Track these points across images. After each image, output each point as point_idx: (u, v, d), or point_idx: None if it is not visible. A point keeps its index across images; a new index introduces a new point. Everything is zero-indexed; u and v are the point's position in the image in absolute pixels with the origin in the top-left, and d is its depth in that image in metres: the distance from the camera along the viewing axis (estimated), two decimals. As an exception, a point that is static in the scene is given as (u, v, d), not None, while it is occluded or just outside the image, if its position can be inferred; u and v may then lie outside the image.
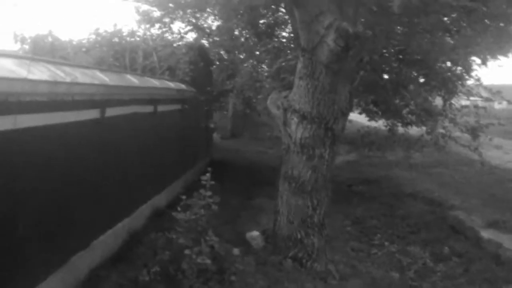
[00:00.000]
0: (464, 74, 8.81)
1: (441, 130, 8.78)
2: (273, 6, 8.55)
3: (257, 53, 9.27)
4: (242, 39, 9.34)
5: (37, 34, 8.40)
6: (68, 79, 3.74)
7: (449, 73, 8.57)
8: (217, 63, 10.53)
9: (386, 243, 5.89)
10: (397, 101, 9.08)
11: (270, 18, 9.10)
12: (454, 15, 7.01)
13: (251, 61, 9.80)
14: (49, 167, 3.50)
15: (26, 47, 8.24)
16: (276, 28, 9.37)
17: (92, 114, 4.35)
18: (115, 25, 9.04)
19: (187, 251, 3.40)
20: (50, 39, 8.41)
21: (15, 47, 8.30)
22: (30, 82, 3.12)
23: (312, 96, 4.82)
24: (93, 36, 8.86)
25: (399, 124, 9.21)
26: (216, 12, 9.28)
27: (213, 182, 4.13)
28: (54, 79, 3.48)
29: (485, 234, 6.38)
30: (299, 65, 4.97)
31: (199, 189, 4.20)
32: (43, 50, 8.08)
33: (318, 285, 4.51)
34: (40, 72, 3.38)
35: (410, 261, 5.37)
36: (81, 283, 3.91)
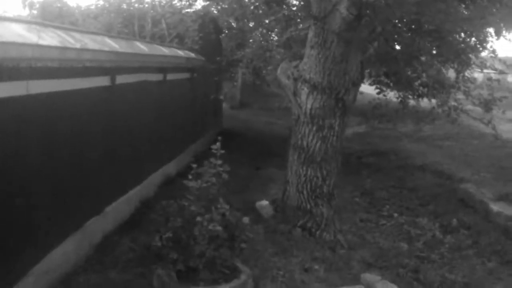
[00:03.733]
0: (478, 46, 8.62)
1: (453, 103, 8.66)
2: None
3: (267, 22, 9.09)
4: (252, 7, 9.15)
5: (45, 0, 8.31)
6: (78, 45, 3.71)
7: (462, 45, 8.38)
8: (226, 31, 10.36)
9: (395, 215, 5.91)
10: (409, 72, 8.94)
11: (280, -15, 8.88)
12: (470, -17, 6.80)
13: (260, 30, 9.63)
14: (62, 133, 3.52)
15: (35, 12, 8.18)
16: (286, -4, 9.15)
17: (102, 81, 4.33)
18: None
19: (198, 218, 3.42)
20: (58, 4, 8.31)
21: (24, 12, 8.25)
22: (41, 47, 3.09)
23: (323, 66, 4.75)
24: (101, 2, 8.76)
25: (411, 96, 9.10)
26: (225, -21, 9.07)
27: (223, 151, 4.13)
28: (64, 45, 3.45)
29: (495, 207, 6.35)
30: (310, 34, 4.88)
31: (209, 158, 4.20)
32: (52, 15, 8.01)
33: (327, 254, 4.55)
34: (50, 38, 3.36)
35: (419, 232, 5.39)
36: (94, 247, 4.01)
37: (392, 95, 9.62)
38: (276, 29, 8.98)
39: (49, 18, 7.65)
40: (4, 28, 2.89)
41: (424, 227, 5.52)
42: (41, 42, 3.12)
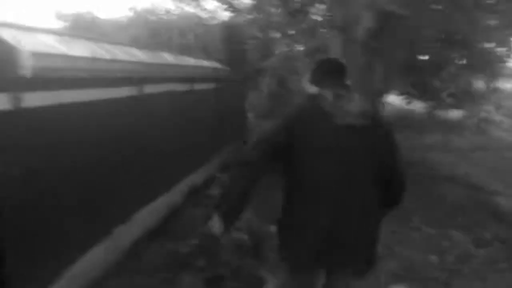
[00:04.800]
0: (507, 56, 8.44)
1: (483, 114, 8.48)
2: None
3: (292, 32, 9.14)
4: (276, 18, 9.22)
5: (77, 12, 8.59)
6: (107, 56, 3.80)
7: (491, 55, 8.21)
8: (252, 42, 10.45)
9: (424, 227, 5.76)
10: (436, 83, 8.80)
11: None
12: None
13: (285, 40, 9.69)
14: (92, 142, 3.59)
15: (67, 24, 8.45)
16: (310, 6, 9.19)
17: (130, 91, 4.41)
18: (151, 3, 9.12)
19: (224, 226, 3.44)
20: (89, 17, 8.57)
21: (57, 25, 8.53)
22: (71, 58, 3.17)
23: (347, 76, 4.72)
24: (130, 14, 8.99)
25: (438, 107, 8.97)
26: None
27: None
28: (93, 56, 3.53)
29: (529, 221, 6.13)
30: (334, 44, 4.87)
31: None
32: (83, 27, 8.26)
33: (354, 265, 4.46)
34: (80, 49, 3.44)
35: (449, 245, 5.23)
36: (123, 252, 4.05)
37: (419, 106, 9.49)
38: (300, 39, 9.01)
39: (80, 30, 7.90)
40: (36, 39, 2.98)
41: (455, 239, 5.35)
42: (72, 53, 3.20)
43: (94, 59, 3.54)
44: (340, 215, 2.14)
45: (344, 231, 2.17)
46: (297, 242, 2.19)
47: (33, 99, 2.83)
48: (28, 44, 2.70)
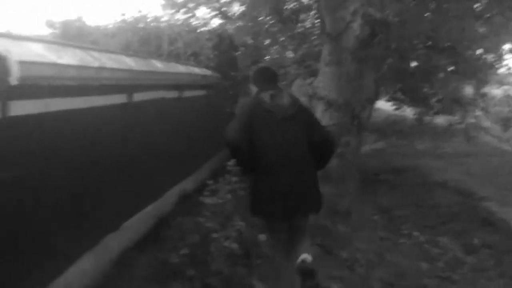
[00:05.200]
0: (496, 63, 8.55)
1: (472, 120, 8.56)
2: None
3: (282, 39, 9.18)
4: (267, 25, 9.25)
5: (66, 20, 8.54)
6: (96, 64, 3.77)
7: (480, 61, 8.31)
8: (242, 48, 10.47)
9: (414, 233, 5.77)
10: (425, 89, 8.88)
11: (295, 4, 8.98)
12: (485, 1, 6.78)
13: (275, 47, 9.72)
14: (79, 150, 3.55)
15: (56, 32, 8.40)
16: (301, 14, 9.24)
17: (119, 98, 4.39)
18: (140, 10, 9.11)
19: (214, 235, 3.42)
20: (78, 24, 8.53)
21: (46, 32, 8.48)
22: (59, 66, 3.15)
23: (338, 83, 4.75)
24: (119, 22, 8.95)
25: (428, 113, 9.04)
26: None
27: (239, 168, 4.12)
28: (82, 64, 3.51)
29: (518, 226, 6.18)
30: (324, 52, 4.89)
31: (225, 174, 4.19)
32: (72, 35, 8.21)
33: (345, 272, 4.46)
34: (68, 57, 3.42)
35: (440, 251, 5.25)
36: (112, 263, 4.00)
37: (409, 112, 9.55)
38: (291, 46, 9.05)
39: (69, 37, 7.85)
40: (25, 48, 2.96)
41: (445, 246, 5.37)
42: (60, 61, 3.18)
43: (82, 67, 3.51)
44: (291, 177, 3.04)
45: (296, 188, 3.07)
46: (268, 202, 3.08)
47: (21, 107, 2.81)
48: (17, 53, 2.68)
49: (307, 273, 3.15)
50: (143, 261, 4.04)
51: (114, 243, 4.12)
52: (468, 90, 9.11)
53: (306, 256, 3.18)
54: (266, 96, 3.20)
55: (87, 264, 3.62)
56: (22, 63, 2.65)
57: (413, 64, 8.40)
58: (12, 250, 2.78)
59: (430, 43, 7.81)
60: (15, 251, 2.81)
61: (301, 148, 3.15)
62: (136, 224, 4.66)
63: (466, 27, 6.60)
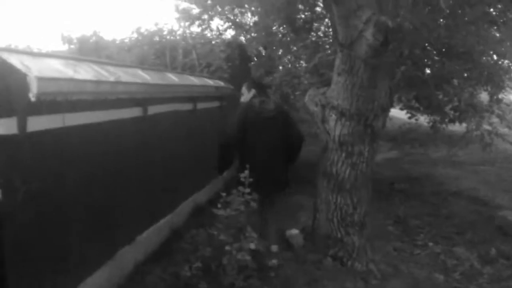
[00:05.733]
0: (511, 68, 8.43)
1: (487, 127, 8.44)
2: (310, 1, 8.46)
3: (295, 48, 9.20)
4: (280, 35, 9.30)
5: (82, 35, 8.73)
6: (111, 78, 3.84)
7: (495, 67, 8.20)
8: (255, 59, 10.54)
9: (430, 244, 5.71)
10: (440, 96, 8.79)
11: (308, 13, 9.01)
12: (500, 6, 6.71)
13: (289, 57, 9.75)
14: (95, 164, 3.62)
15: (73, 47, 8.58)
16: (314, 23, 9.26)
17: (134, 112, 4.46)
18: (156, 24, 9.25)
19: (227, 247, 3.43)
20: (94, 39, 8.69)
21: (63, 47, 8.67)
22: (76, 81, 3.22)
23: (350, 92, 4.72)
24: (135, 35, 9.10)
25: (442, 120, 8.92)
26: (253, 8, 9.28)
27: (251, 179, 4.14)
28: (98, 79, 3.58)
29: (536, 236, 6.06)
30: (337, 61, 4.88)
31: (238, 186, 4.22)
32: (89, 50, 8.37)
33: (359, 284, 4.44)
34: (85, 72, 3.49)
35: (456, 262, 5.18)
36: (126, 276, 4.05)
37: (423, 120, 9.46)
38: (304, 55, 9.06)
39: (86, 52, 8.02)
40: (43, 63, 3.04)
41: (461, 257, 5.30)
42: (77, 76, 3.25)
43: (99, 82, 3.59)
44: (267, 164, 4.42)
45: (269, 172, 4.46)
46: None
47: (39, 123, 2.88)
48: (36, 69, 2.75)
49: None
50: (157, 274, 4.08)
51: (129, 256, 4.18)
52: (484, 96, 8.99)
53: (274, 247, 4.43)
54: (256, 102, 4.68)
55: (103, 278, 3.68)
56: (41, 79, 2.73)
57: (427, 71, 8.33)
58: (29, 264, 2.85)
59: (444, 49, 7.74)
60: (32, 265, 2.88)
61: (278, 143, 4.52)
62: (151, 237, 4.71)
63: (481, 33, 6.53)
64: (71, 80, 3.16)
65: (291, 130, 4.65)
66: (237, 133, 4.48)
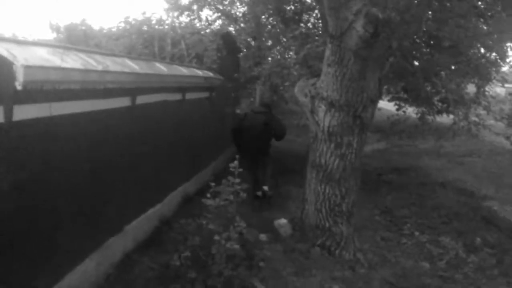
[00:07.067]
0: (499, 61, 8.52)
1: (474, 118, 8.55)
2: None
3: (284, 39, 9.19)
4: (269, 26, 9.28)
5: (70, 23, 8.62)
6: (99, 68, 3.81)
7: (483, 60, 8.28)
8: (244, 50, 10.51)
9: (416, 233, 5.80)
10: (428, 88, 8.86)
11: (297, 4, 8.99)
12: (488, 0, 6.77)
13: (278, 47, 9.73)
14: (83, 153, 3.60)
15: (61, 35, 8.46)
16: (303, 14, 9.25)
17: (123, 101, 4.43)
18: (144, 13, 9.14)
19: (216, 237, 3.43)
20: (82, 27, 8.58)
21: (51, 35, 8.55)
22: (64, 70, 3.19)
23: (340, 83, 4.74)
24: (123, 25, 9.00)
25: (430, 112, 9.02)
26: (242, -2, 9.26)
27: (241, 170, 4.15)
28: (86, 68, 3.55)
29: (520, 225, 6.18)
30: (327, 52, 4.89)
31: (228, 176, 4.22)
32: (77, 38, 8.28)
33: (347, 273, 4.50)
34: (72, 61, 3.45)
35: (441, 251, 5.28)
36: (114, 265, 4.04)
37: (411, 111, 9.54)
38: (293, 47, 9.06)
39: (74, 40, 7.93)
40: (30, 52, 3.00)
41: (447, 246, 5.39)
42: (64, 65, 3.22)
43: (86, 71, 3.55)
44: (254, 142, 6.48)
45: (255, 146, 6.51)
46: (245, 153, 6.19)
47: (25, 112, 2.85)
48: (23, 58, 2.72)
49: (264, 193, 6.52)
50: (145, 263, 4.09)
51: (117, 245, 4.17)
52: (471, 88, 9.10)
53: (265, 188, 6.52)
54: (255, 109, 7.01)
55: (91, 266, 3.67)
56: (27, 67, 2.69)
57: (416, 63, 8.39)
58: (17, 253, 2.83)
59: (432, 42, 7.80)
60: (20, 254, 2.86)
61: (264, 133, 6.47)
62: (139, 227, 4.71)
63: (469, 26, 6.59)
64: (58, 68, 3.13)
65: (274, 124, 6.52)
66: (236, 124, 6.77)
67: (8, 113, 2.71)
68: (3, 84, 2.63)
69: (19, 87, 2.64)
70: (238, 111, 10.35)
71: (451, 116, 8.62)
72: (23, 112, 2.84)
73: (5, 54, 2.64)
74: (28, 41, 3.40)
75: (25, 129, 2.87)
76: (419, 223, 6.23)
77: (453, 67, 8.44)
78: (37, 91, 2.91)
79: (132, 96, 4.58)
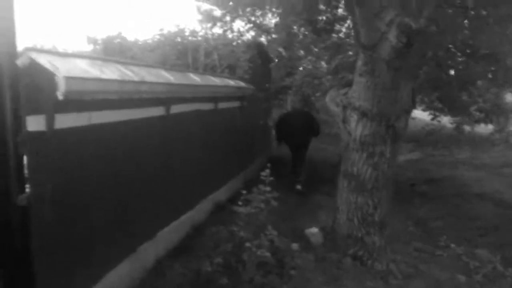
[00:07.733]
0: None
1: (512, 128, 8.29)
2: (333, 3, 8.45)
3: (316, 49, 9.21)
4: (300, 36, 9.32)
5: (107, 36, 8.91)
6: (136, 78, 3.94)
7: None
8: (276, 60, 10.59)
9: (452, 245, 5.63)
10: (464, 97, 8.66)
11: (329, 15, 8.99)
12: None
13: (309, 58, 9.76)
14: (119, 161, 3.72)
15: (98, 47, 8.78)
16: (335, 24, 9.24)
17: (158, 111, 4.55)
18: (178, 25, 9.36)
19: (247, 244, 3.48)
20: (119, 40, 8.87)
21: (88, 48, 8.89)
22: (102, 81, 3.32)
23: (372, 93, 4.71)
24: (157, 36, 9.23)
25: (468, 122, 8.81)
26: (274, 9, 9.33)
27: (272, 178, 4.18)
28: (123, 78, 3.68)
29: (561, 239, 5.90)
30: (359, 62, 4.87)
31: (258, 185, 4.26)
32: (113, 50, 8.55)
33: (379, 284, 4.42)
34: (110, 72, 3.59)
35: (478, 264, 5.10)
36: (147, 270, 4.13)
37: (446, 121, 9.34)
38: (325, 57, 9.06)
39: (111, 52, 8.21)
40: (71, 63, 3.15)
41: (484, 259, 5.21)
42: (103, 76, 3.36)
43: (123, 82, 3.68)
44: (298, 139, 8.25)
45: (299, 137, 8.24)
46: (289, 141, 8.46)
47: (66, 120, 2.99)
48: (64, 69, 2.86)
49: (299, 192, 7.72)
50: (177, 269, 4.15)
51: (150, 251, 4.27)
52: (509, 98, 8.84)
53: (298, 187, 7.78)
54: (297, 109, 9.04)
55: (124, 271, 3.77)
56: (69, 78, 2.83)
57: (451, 72, 8.23)
58: (56, 257, 2.95)
59: (468, 50, 7.63)
60: (59, 258, 2.98)
61: (306, 129, 8.06)
62: (172, 233, 4.80)
63: (505, 33, 6.43)
64: (97, 79, 3.26)
65: (314, 122, 8.24)
66: (278, 122, 8.52)
67: (50, 121, 2.85)
68: (45, 94, 2.77)
69: (60, 97, 2.78)
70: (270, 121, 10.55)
71: (489, 126, 8.39)
72: (64, 121, 2.97)
73: (47, 66, 2.78)
74: (68, 53, 3.57)
75: (66, 137, 3.00)
76: (455, 235, 6.05)
77: (490, 76, 8.23)
78: (77, 101, 3.04)
79: (166, 106, 4.70)
